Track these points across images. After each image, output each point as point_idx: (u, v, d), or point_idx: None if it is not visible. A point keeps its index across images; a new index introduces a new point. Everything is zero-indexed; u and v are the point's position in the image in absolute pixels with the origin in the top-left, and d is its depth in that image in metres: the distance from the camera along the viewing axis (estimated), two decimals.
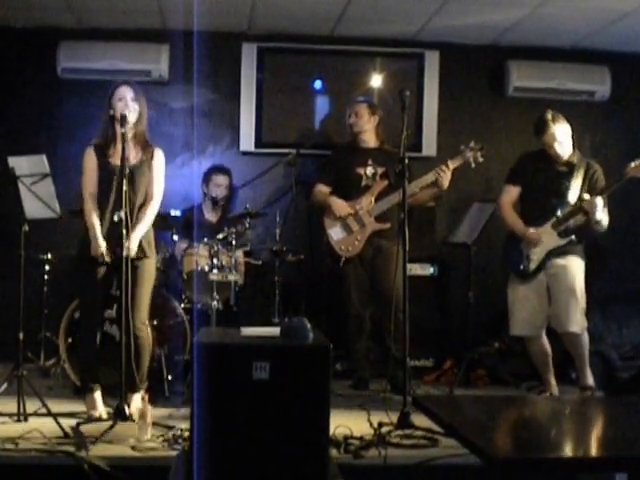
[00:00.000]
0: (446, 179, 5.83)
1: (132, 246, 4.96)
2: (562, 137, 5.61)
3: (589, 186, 5.62)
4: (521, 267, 5.68)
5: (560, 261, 5.61)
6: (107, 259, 4.96)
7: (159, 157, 5.21)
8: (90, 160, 5.10)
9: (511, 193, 5.84)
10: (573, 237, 5.57)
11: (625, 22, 6.64)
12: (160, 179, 5.21)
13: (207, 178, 6.72)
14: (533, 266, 5.65)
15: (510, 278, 5.79)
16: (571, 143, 5.69)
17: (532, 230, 5.62)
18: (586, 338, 5.69)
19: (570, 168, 5.65)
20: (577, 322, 5.59)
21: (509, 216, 5.80)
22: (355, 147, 6.30)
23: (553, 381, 5.81)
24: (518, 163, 5.94)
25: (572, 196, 5.58)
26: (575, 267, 5.62)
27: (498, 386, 6.35)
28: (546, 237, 5.61)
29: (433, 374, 6.62)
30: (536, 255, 5.64)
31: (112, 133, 5.07)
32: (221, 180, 6.67)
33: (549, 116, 5.62)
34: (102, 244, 4.94)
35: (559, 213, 5.56)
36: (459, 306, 6.78)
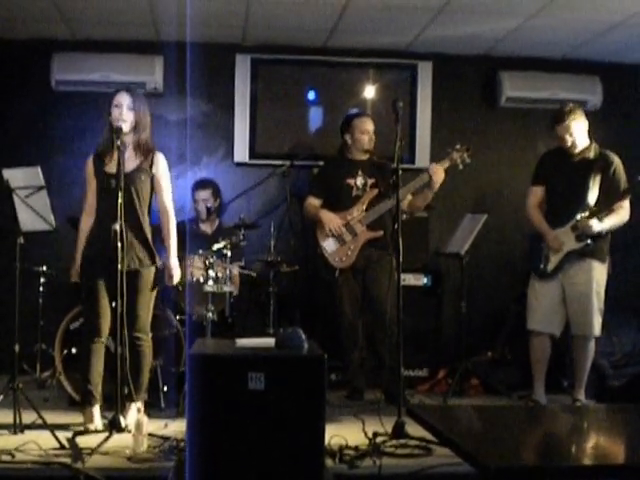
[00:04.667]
0: (440, 177, 5.86)
1: (175, 273, 5.22)
2: (576, 131, 5.70)
3: (609, 183, 5.69)
4: (540, 267, 5.81)
5: (578, 264, 5.71)
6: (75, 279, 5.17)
7: (161, 162, 5.21)
8: (88, 168, 5.14)
9: (536, 194, 5.98)
10: (589, 241, 5.63)
11: (615, 33, 6.70)
12: (167, 186, 5.23)
13: (192, 195, 6.76)
14: (551, 267, 5.76)
15: (531, 276, 5.92)
16: (587, 138, 5.79)
17: (554, 235, 5.73)
18: (593, 347, 5.76)
19: (587, 165, 5.72)
20: (591, 326, 5.71)
21: (535, 217, 5.94)
22: (344, 159, 6.30)
23: (541, 387, 5.87)
24: (539, 163, 6.08)
25: (591, 197, 5.66)
26: (592, 271, 5.70)
27: (491, 395, 6.37)
28: (565, 239, 5.71)
29: (427, 384, 6.64)
30: (554, 256, 5.74)
31: (110, 141, 5.07)
32: (203, 195, 6.68)
33: (567, 109, 5.75)
34: (76, 267, 5.14)
35: (578, 216, 5.63)
36: (452, 316, 6.81)
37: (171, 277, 5.22)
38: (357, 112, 6.45)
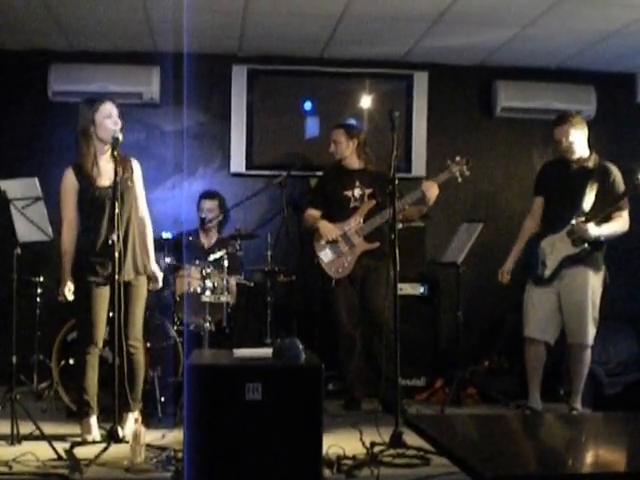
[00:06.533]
0: (433, 194, 5.87)
1: (158, 275, 5.24)
2: (573, 137, 5.73)
3: (606, 192, 5.70)
4: (537, 273, 5.82)
5: (573, 271, 5.72)
6: (69, 298, 5.03)
7: (138, 169, 5.23)
8: (69, 183, 5.05)
9: (536, 204, 6.04)
10: (586, 246, 5.65)
11: (609, 42, 6.73)
12: (142, 191, 5.26)
13: (198, 205, 6.78)
14: (548, 272, 5.77)
15: (527, 283, 5.93)
16: (586, 148, 5.81)
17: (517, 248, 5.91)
18: (589, 355, 5.77)
19: (586, 174, 5.73)
20: (586, 334, 5.71)
21: (524, 226, 6.06)
22: (341, 170, 6.32)
23: (537, 394, 5.87)
24: (539, 173, 6.14)
25: (587, 205, 5.67)
26: (588, 279, 5.70)
27: (488, 404, 6.37)
28: (561, 244, 5.72)
29: (424, 393, 6.64)
30: (550, 262, 5.76)
31: (94, 152, 5.05)
32: (209, 205, 6.72)
33: (569, 113, 5.85)
34: (69, 286, 5.01)
35: (574, 221, 5.65)
36: (449, 325, 6.82)
37: (156, 281, 5.23)
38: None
